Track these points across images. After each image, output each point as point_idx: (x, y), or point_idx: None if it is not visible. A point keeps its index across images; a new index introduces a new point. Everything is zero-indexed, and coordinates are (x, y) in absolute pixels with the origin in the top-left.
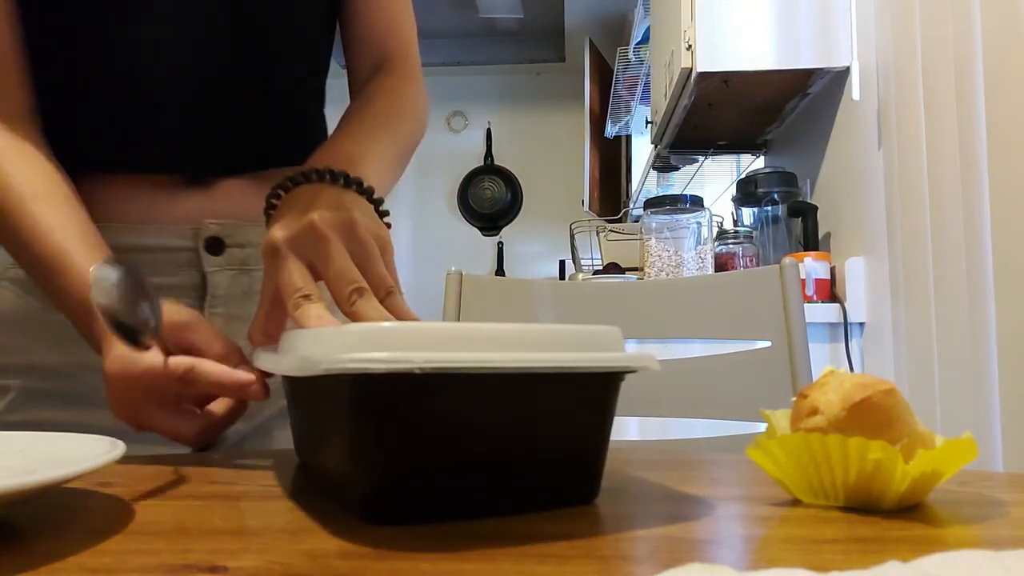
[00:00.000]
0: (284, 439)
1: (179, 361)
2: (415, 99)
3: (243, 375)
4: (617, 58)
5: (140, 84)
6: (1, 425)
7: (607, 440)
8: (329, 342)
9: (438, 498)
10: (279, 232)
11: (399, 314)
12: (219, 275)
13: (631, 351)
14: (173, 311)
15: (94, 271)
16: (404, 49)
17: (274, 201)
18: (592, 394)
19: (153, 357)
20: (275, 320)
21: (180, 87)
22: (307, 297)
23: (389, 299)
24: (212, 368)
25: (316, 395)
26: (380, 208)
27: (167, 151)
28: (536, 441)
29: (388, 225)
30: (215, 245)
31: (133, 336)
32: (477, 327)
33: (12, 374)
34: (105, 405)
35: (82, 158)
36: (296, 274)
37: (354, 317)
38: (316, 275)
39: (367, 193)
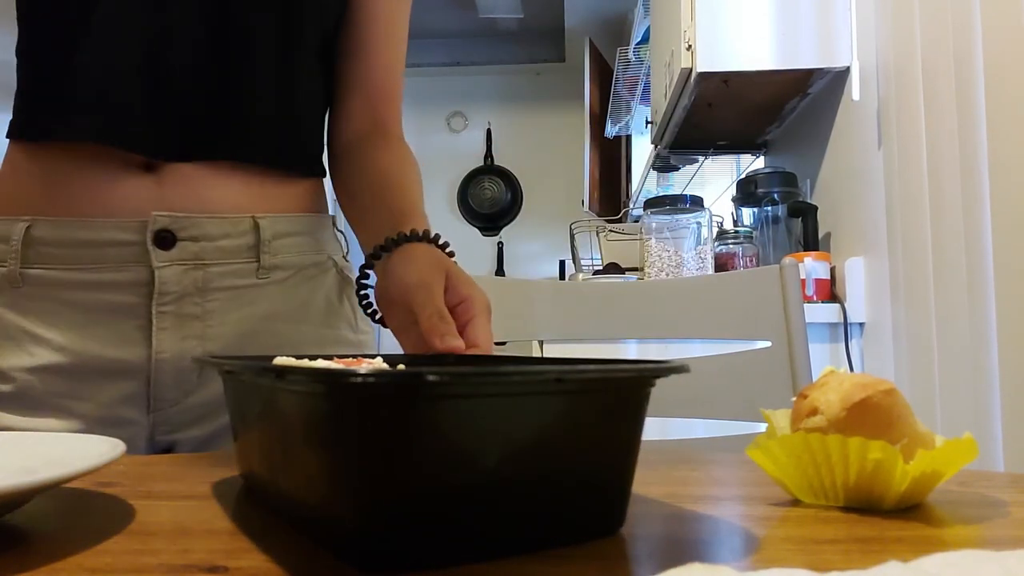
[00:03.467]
0: None
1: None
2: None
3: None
4: (617, 58)
5: (99, 50)
6: None
7: (636, 459)
8: None
9: (450, 537)
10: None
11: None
12: (168, 270)
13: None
14: None
15: None
16: (398, 113)
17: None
18: (627, 403)
19: None
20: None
21: (141, 58)
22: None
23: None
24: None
25: (281, 404)
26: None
27: (119, 123)
28: (559, 462)
29: (451, 255)
30: (165, 239)
31: None
32: None
33: None
34: (56, 408)
35: (33, 122)
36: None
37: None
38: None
39: (443, 247)
